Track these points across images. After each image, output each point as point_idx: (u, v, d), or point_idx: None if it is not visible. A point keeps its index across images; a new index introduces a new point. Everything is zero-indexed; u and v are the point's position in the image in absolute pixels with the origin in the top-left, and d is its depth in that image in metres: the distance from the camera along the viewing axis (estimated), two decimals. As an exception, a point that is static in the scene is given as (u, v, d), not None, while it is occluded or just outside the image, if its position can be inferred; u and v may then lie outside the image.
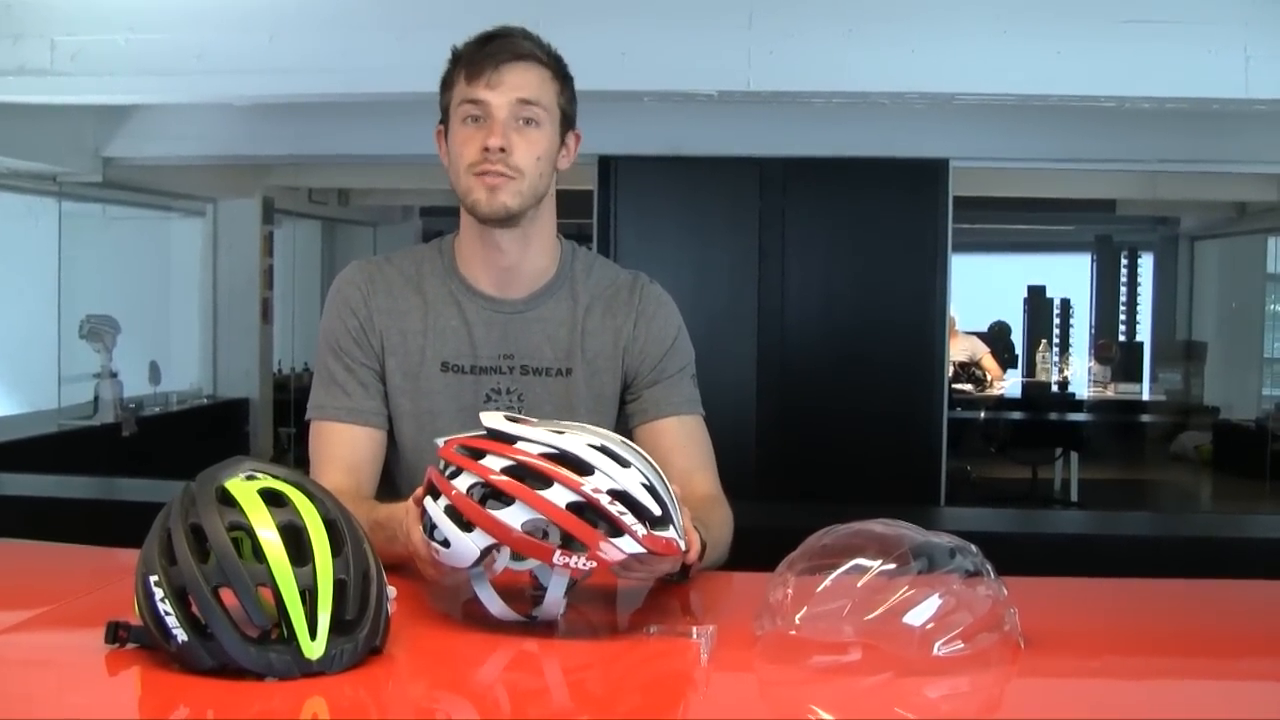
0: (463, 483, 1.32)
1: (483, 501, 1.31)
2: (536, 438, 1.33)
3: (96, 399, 6.43)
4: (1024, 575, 1.74)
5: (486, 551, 1.32)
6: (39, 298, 6.52)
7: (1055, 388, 8.98)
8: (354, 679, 1.21)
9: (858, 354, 5.88)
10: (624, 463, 1.31)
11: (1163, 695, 1.34)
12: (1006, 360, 9.87)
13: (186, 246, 7.88)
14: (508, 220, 1.75)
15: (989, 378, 8.60)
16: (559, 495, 1.28)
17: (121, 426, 6.35)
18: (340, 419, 1.80)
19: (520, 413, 1.73)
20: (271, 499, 1.24)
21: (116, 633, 1.25)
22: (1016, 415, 8.50)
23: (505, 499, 1.30)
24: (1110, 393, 9.02)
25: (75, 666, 1.29)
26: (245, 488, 1.24)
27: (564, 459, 1.30)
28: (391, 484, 1.87)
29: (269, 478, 1.27)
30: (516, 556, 1.34)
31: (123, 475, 5.18)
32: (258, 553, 1.20)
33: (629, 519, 1.28)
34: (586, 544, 1.27)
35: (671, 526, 1.31)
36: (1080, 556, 3.68)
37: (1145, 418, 9.57)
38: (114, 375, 6.44)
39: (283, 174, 8.03)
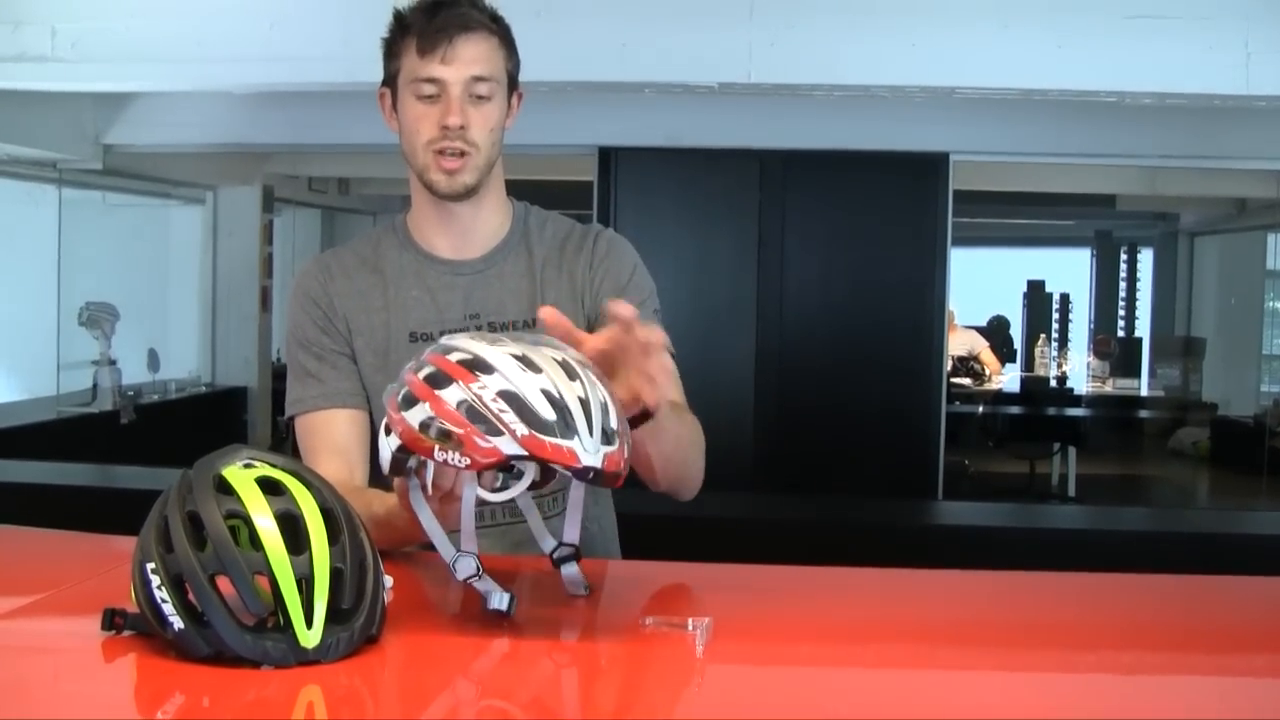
0: (394, 388, 1.34)
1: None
2: (463, 345, 1.32)
3: (95, 386, 6.43)
4: (1020, 570, 1.76)
5: (401, 457, 1.32)
6: (39, 284, 6.52)
7: (1054, 382, 8.97)
8: (349, 668, 1.21)
9: (856, 347, 5.89)
10: (534, 369, 1.29)
11: (1158, 690, 1.34)
12: (1005, 355, 9.88)
13: (186, 234, 7.87)
14: (466, 195, 1.79)
15: (988, 372, 8.60)
16: (452, 394, 1.27)
17: (120, 414, 6.35)
18: (318, 406, 1.81)
19: None
20: (269, 487, 1.24)
21: (113, 620, 1.26)
22: (1015, 410, 8.50)
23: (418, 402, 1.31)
24: (1109, 388, 9.03)
25: (71, 653, 1.29)
26: (242, 476, 1.24)
27: (473, 363, 1.30)
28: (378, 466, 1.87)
29: (266, 466, 1.27)
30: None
31: (120, 462, 5.18)
32: (255, 541, 1.20)
33: (509, 417, 1.25)
34: (461, 440, 1.26)
35: (576, 437, 1.26)
36: (1077, 551, 3.69)
37: (1143, 413, 9.58)
38: (113, 362, 6.44)
39: (283, 162, 8.01)
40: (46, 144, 5.86)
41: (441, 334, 1.77)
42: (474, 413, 1.26)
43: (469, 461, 1.26)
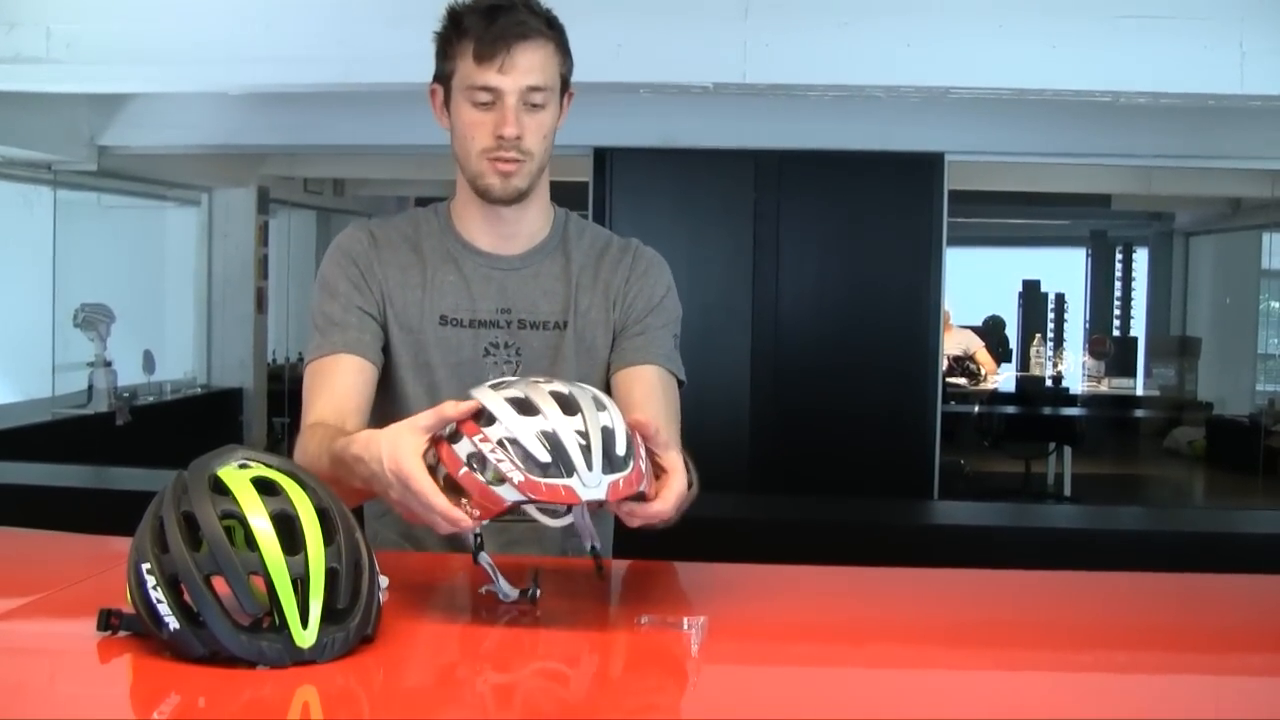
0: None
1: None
2: (477, 394, 1.35)
3: (90, 388, 6.42)
4: (1016, 569, 1.76)
5: None
6: (34, 286, 6.51)
7: (1049, 382, 8.98)
8: (345, 668, 1.21)
9: (852, 347, 5.89)
10: (531, 410, 1.31)
11: (1153, 689, 1.34)
12: (1001, 354, 9.89)
13: (181, 235, 7.86)
14: (518, 199, 1.80)
15: (983, 372, 8.60)
16: (463, 447, 1.32)
17: (115, 415, 6.33)
18: (330, 351, 1.78)
19: (518, 365, 1.79)
20: (264, 488, 1.24)
21: (109, 620, 1.26)
22: (1010, 409, 8.51)
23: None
24: (1104, 387, 9.03)
25: (67, 654, 1.29)
26: (238, 476, 1.24)
27: (479, 414, 1.33)
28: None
29: (262, 466, 1.28)
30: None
31: (116, 464, 5.17)
32: (250, 541, 1.20)
33: (506, 466, 1.29)
34: (469, 493, 1.30)
35: (575, 474, 1.29)
36: (1073, 550, 3.69)
37: (1139, 413, 9.58)
38: (108, 364, 6.42)
39: (278, 163, 8.00)
40: (41, 146, 5.85)
41: (472, 322, 1.79)
42: (478, 464, 1.30)
43: (479, 512, 1.31)
